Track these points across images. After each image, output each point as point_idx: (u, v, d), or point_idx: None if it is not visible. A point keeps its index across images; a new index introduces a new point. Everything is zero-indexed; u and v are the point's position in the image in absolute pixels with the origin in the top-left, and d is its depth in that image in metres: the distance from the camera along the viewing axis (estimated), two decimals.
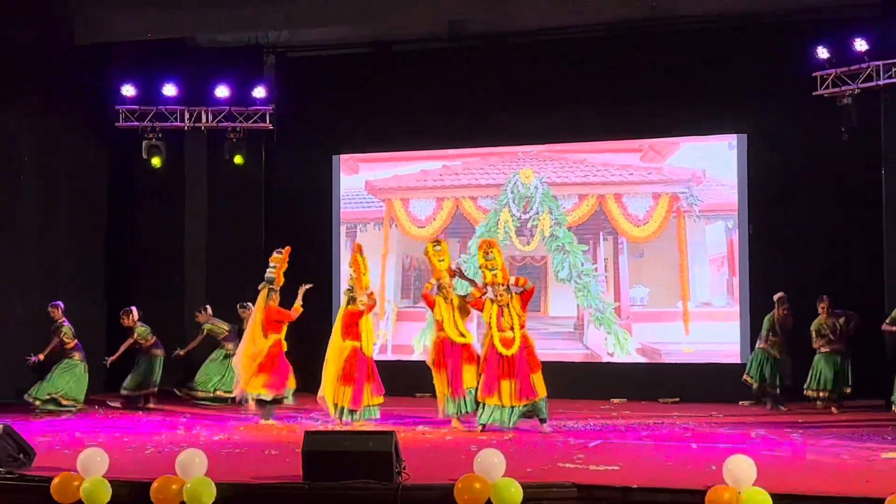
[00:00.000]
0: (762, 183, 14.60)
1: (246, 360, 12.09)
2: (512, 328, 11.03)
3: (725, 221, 14.88)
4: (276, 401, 12.20)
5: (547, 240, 15.48)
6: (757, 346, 13.35)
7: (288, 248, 12.47)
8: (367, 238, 16.09)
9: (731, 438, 10.42)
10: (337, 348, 11.75)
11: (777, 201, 14.49)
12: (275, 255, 12.50)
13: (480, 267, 11.51)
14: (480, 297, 11.40)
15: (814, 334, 12.87)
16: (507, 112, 15.51)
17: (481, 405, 11.08)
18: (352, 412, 11.45)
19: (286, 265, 12.41)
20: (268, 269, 12.38)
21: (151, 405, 13.97)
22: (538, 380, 11.05)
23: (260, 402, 12.19)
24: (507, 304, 11.09)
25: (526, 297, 11.34)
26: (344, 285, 15.59)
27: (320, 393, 11.71)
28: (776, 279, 13.69)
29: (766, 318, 13.25)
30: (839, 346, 12.82)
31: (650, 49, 15.08)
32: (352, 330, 11.74)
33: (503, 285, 11.18)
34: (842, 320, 12.82)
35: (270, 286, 12.29)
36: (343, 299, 12.18)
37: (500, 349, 10.96)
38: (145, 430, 11.46)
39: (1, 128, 14.94)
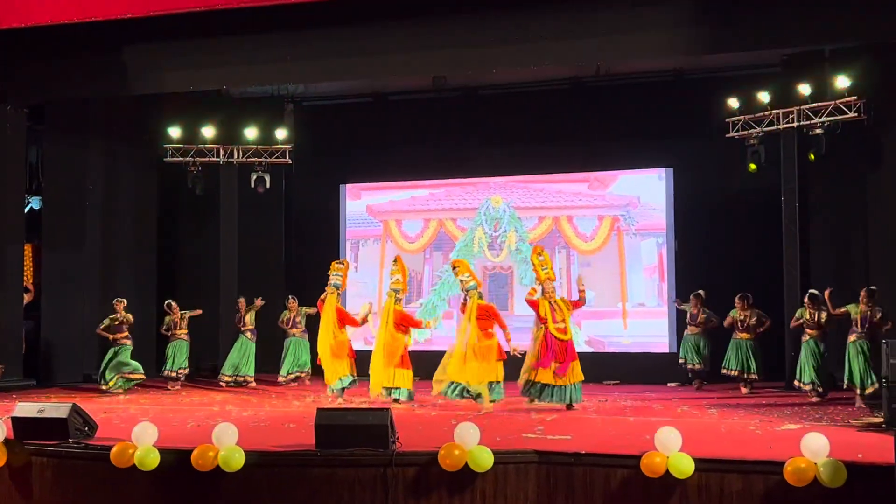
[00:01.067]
0: (685, 208, 14.67)
1: (330, 351, 11.86)
2: (564, 320, 10.88)
3: (656, 238, 14.92)
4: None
5: (513, 253, 15.49)
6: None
7: (346, 260, 12.42)
8: (368, 252, 16.12)
9: (661, 413, 10.43)
10: (391, 340, 11.53)
11: (698, 222, 14.55)
12: (337, 265, 12.32)
13: (535, 267, 11.16)
14: (534, 297, 11.06)
15: (737, 323, 12.75)
16: (480, 150, 15.53)
17: (529, 383, 10.89)
18: (397, 390, 11.44)
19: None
20: (333, 276, 12.19)
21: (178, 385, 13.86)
22: (576, 366, 10.86)
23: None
24: (556, 301, 10.95)
25: (577, 304, 11.16)
26: (353, 290, 15.75)
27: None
28: (697, 285, 13.70)
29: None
30: (749, 335, 12.76)
31: (596, 99, 15.13)
32: (403, 326, 11.68)
33: (552, 282, 11.03)
34: (755, 318, 12.74)
35: (338, 291, 12.18)
36: (389, 298, 11.82)
37: (558, 335, 10.75)
38: (188, 407, 11.40)
39: (72, 163, 14.89)
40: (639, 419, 9.82)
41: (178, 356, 13.90)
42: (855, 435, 8.50)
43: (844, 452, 6.97)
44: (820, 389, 11.52)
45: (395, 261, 12.14)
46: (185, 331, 14.03)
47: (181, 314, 14.04)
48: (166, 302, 14.20)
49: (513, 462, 7.47)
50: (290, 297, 14.37)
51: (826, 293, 11.56)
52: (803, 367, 11.67)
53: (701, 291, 13.32)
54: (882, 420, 8.81)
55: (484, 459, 7.26)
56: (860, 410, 10.44)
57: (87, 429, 8.41)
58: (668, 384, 13.69)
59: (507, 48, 11.82)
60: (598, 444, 7.90)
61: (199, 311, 14.26)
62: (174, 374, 13.87)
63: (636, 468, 7.12)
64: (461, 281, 11.48)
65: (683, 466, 6.96)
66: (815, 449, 6.74)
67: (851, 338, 11.11)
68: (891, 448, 6.39)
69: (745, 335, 12.72)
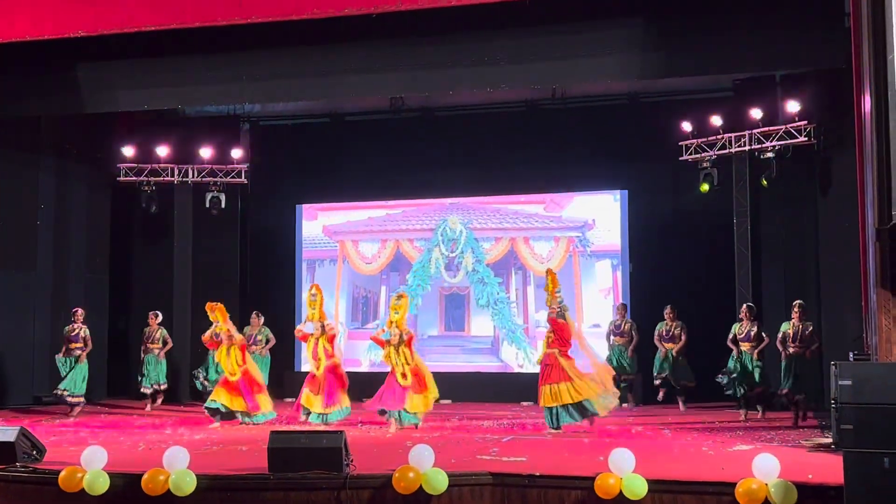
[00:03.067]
0: (640, 229, 14.80)
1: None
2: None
3: (611, 260, 15.03)
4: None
5: (470, 274, 15.52)
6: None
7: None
8: (324, 272, 16.04)
9: (615, 434, 10.46)
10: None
11: (651, 244, 14.69)
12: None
13: (554, 293, 10.89)
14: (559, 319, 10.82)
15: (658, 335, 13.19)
16: (437, 171, 15.57)
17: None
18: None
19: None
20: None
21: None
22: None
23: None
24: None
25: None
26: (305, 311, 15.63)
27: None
28: (650, 306, 13.82)
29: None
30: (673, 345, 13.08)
31: (552, 121, 15.26)
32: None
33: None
34: (679, 329, 13.10)
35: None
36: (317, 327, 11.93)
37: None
38: (139, 430, 11.23)
39: (23, 182, 14.64)
40: (593, 440, 9.83)
41: (152, 371, 13.69)
42: (805, 455, 8.59)
43: (795, 473, 7.03)
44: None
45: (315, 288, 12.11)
46: (158, 345, 13.80)
47: (158, 328, 13.83)
48: (153, 312, 13.98)
49: (467, 484, 7.44)
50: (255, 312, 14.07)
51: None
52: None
53: (625, 303, 13.89)
54: (832, 441, 8.91)
55: (438, 482, 7.22)
56: (810, 430, 10.57)
57: (35, 452, 8.25)
58: (623, 405, 13.73)
59: (463, 70, 11.88)
60: (553, 466, 7.89)
61: (170, 346, 14.02)
62: (147, 391, 13.68)
63: (590, 489, 7.11)
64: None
65: (636, 488, 6.97)
66: (766, 470, 6.79)
67: (790, 351, 11.46)
68: (840, 469, 6.46)
69: (670, 345, 13.02)
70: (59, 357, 13.03)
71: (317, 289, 12.07)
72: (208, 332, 12.13)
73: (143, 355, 13.94)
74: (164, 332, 13.98)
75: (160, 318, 14.00)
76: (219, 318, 11.97)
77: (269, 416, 11.85)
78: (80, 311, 13.32)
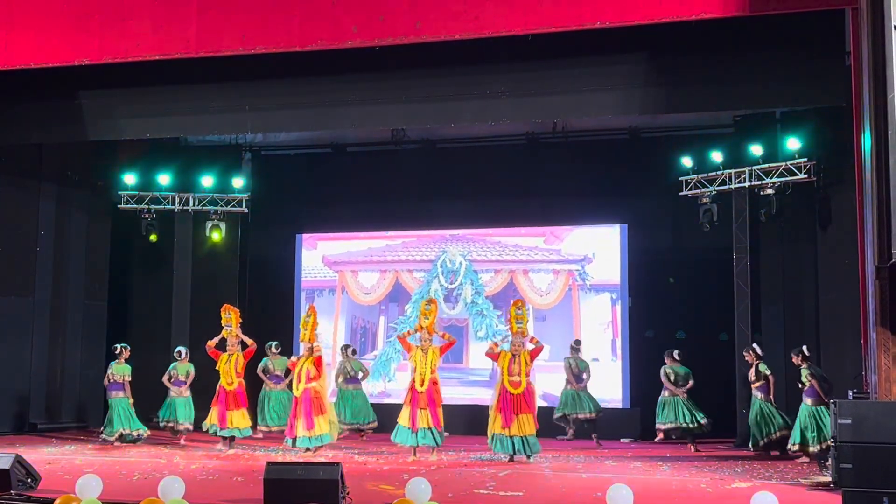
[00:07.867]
0: (639, 264, 14.82)
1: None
2: (519, 374, 11.12)
3: (610, 293, 15.03)
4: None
5: (469, 306, 15.52)
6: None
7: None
8: (323, 302, 16.02)
9: (614, 469, 10.42)
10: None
11: (650, 278, 14.69)
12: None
13: (511, 318, 11.37)
14: (496, 350, 11.52)
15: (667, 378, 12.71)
16: (437, 202, 15.62)
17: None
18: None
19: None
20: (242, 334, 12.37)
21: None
22: (525, 419, 11.09)
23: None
24: (519, 354, 11.21)
25: (535, 353, 11.40)
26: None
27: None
28: (649, 340, 13.80)
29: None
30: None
31: (553, 155, 15.32)
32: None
33: (523, 336, 11.31)
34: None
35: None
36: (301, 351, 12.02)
37: (511, 389, 11.09)
38: (135, 459, 11.18)
39: (23, 208, 14.67)
40: (591, 475, 9.79)
41: (118, 418, 12.76)
42: (804, 494, 8.56)
43: None
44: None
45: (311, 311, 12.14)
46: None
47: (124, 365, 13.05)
48: (121, 345, 13.27)
49: None
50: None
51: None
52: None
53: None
54: (831, 479, 8.87)
55: None
56: (808, 467, 10.52)
57: (29, 480, 8.23)
58: (622, 440, 13.71)
59: (465, 103, 11.94)
60: (550, 501, 7.87)
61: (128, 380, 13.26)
62: (111, 439, 12.69)
63: None
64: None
65: None
66: None
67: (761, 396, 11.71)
68: None
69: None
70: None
71: (311, 310, 12.09)
72: (215, 339, 12.35)
73: (109, 396, 12.95)
74: (128, 368, 13.07)
75: (128, 352, 13.14)
76: (232, 322, 12.24)
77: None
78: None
